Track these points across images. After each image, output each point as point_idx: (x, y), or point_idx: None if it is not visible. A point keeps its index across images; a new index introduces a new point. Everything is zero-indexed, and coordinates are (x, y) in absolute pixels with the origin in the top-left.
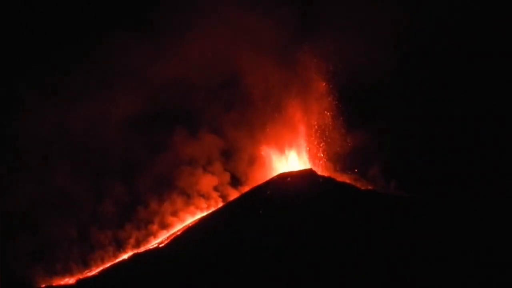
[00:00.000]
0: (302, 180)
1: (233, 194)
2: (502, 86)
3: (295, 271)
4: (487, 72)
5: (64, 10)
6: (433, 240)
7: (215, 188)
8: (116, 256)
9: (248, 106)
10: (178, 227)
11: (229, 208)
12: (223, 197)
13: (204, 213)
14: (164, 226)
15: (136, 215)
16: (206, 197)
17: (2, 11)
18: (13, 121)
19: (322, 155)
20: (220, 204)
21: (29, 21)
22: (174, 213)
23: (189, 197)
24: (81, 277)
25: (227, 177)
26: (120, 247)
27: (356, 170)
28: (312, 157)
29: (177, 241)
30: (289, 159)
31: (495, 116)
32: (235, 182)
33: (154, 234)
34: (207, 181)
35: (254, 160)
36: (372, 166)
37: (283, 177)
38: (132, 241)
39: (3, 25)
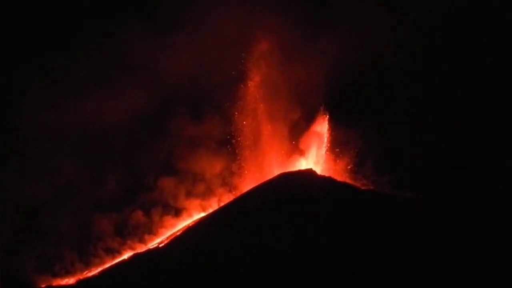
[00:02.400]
0: (303, 180)
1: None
2: (499, 82)
3: (295, 271)
4: (483, 70)
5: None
6: (433, 240)
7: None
8: (120, 254)
9: (251, 103)
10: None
11: (230, 208)
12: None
13: (202, 214)
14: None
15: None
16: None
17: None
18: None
19: (323, 154)
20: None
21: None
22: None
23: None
24: (81, 277)
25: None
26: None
27: (356, 170)
28: (313, 157)
29: (177, 241)
30: (291, 158)
31: (493, 113)
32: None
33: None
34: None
35: (258, 157)
36: (371, 166)
37: (284, 177)
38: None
39: (13, 17)
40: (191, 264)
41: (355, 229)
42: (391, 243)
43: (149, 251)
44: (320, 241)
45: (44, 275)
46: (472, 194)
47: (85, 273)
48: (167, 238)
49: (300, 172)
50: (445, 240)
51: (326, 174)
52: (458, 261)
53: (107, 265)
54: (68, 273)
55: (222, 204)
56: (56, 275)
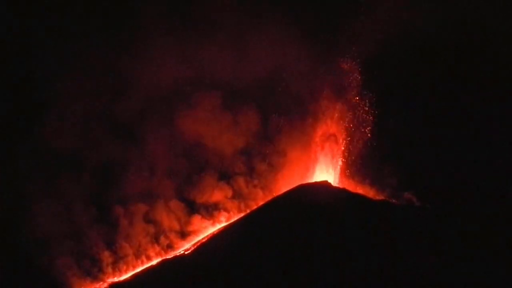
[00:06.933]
0: (319, 191)
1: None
2: None
3: (313, 280)
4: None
5: None
6: (447, 250)
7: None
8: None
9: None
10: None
11: (252, 217)
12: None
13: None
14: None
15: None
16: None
17: None
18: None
19: (339, 163)
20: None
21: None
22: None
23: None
24: (113, 281)
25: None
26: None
27: (371, 179)
28: (329, 166)
29: (202, 249)
30: (310, 169)
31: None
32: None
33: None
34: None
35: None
36: (387, 174)
37: (301, 188)
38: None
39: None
40: (215, 271)
41: (368, 239)
42: (404, 254)
43: (176, 257)
44: (334, 250)
45: (77, 278)
46: (487, 205)
47: (117, 277)
48: (193, 245)
49: (316, 184)
50: (459, 251)
51: (340, 186)
52: (472, 275)
53: (138, 269)
54: (101, 275)
55: (245, 212)
56: (89, 277)
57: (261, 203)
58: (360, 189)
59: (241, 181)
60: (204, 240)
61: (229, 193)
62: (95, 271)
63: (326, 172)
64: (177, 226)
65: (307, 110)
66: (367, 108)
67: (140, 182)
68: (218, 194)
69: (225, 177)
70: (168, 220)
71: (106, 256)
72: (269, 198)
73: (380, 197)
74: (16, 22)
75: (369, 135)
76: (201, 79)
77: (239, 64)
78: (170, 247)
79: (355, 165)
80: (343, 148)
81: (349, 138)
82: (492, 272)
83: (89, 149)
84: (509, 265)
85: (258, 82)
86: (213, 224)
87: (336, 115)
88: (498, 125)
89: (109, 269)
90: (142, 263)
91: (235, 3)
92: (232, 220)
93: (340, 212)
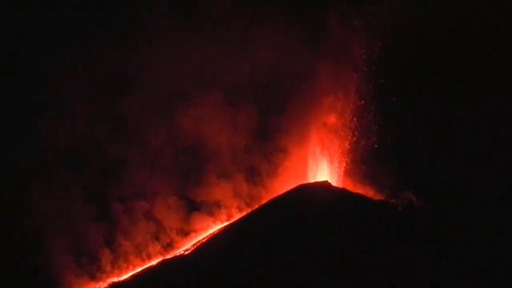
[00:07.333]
0: (319, 191)
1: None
2: None
3: (314, 282)
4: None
5: None
6: (448, 250)
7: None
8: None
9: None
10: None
11: (252, 217)
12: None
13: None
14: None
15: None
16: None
17: None
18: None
19: (339, 163)
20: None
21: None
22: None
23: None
24: (113, 281)
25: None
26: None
27: (371, 179)
28: (329, 166)
29: (201, 249)
30: (310, 168)
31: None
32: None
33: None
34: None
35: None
36: (387, 174)
37: (301, 188)
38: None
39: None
40: (215, 271)
41: (368, 239)
42: (403, 253)
43: (176, 257)
44: (334, 250)
45: (76, 277)
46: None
47: (116, 276)
48: (193, 245)
49: (316, 184)
50: (459, 251)
51: (340, 186)
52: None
53: (138, 268)
54: (101, 273)
55: (246, 210)
56: (89, 276)
57: (261, 201)
58: (360, 189)
59: (241, 179)
60: (204, 240)
61: (229, 191)
62: (94, 269)
63: (326, 171)
64: (177, 224)
65: (307, 109)
66: (367, 108)
67: (141, 180)
68: (218, 192)
69: (225, 175)
70: (168, 218)
71: (106, 254)
72: (269, 196)
73: (380, 197)
74: (16, 22)
75: (369, 135)
76: (201, 77)
77: (239, 63)
78: (170, 245)
79: (355, 165)
80: (343, 147)
81: (349, 138)
82: (492, 272)
83: (89, 147)
84: (509, 265)
85: (258, 81)
86: (214, 222)
87: (337, 114)
88: (498, 125)
89: (109, 268)
90: (143, 261)
91: (236, 3)
92: (232, 219)
93: (340, 212)
